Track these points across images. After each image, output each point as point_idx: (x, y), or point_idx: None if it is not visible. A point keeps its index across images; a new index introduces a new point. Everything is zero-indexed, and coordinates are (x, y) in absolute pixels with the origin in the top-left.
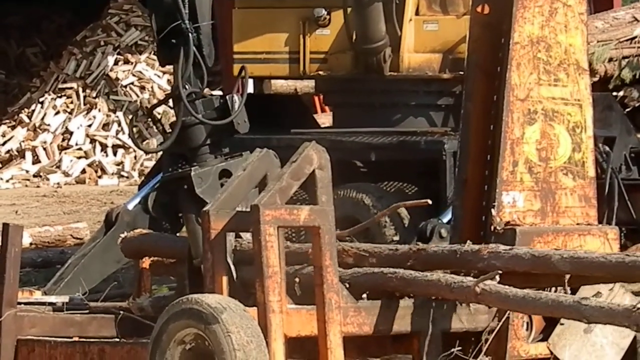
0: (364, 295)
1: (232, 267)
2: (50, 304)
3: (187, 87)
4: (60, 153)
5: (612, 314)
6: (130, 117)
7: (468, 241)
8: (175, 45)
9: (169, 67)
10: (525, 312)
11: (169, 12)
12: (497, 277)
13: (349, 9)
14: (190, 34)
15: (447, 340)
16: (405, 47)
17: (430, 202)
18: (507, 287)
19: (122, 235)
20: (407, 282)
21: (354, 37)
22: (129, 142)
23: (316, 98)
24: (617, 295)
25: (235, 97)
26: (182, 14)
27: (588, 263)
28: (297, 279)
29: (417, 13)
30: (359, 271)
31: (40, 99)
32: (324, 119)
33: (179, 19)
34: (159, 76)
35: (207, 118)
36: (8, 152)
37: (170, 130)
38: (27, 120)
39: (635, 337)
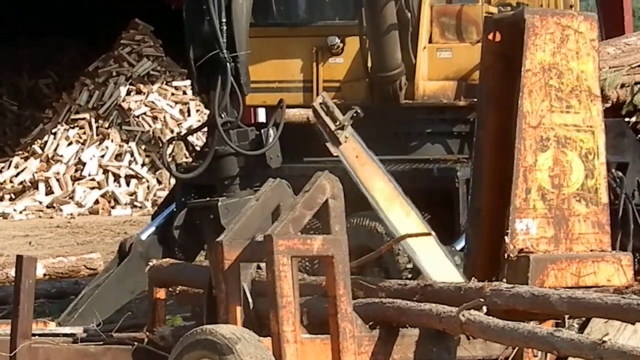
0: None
1: (250, 297)
2: (65, 335)
3: (222, 116)
4: (73, 184)
5: (580, 347)
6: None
7: (473, 278)
8: (213, 74)
9: (181, 97)
10: (504, 342)
11: (206, 41)
12: (484, 308)
13: (364, 37)
14: (228, 64)
15: None
16: (420, 75)
17: (433, 233)
18: (489, 317)
19: (150, 264)
20: (402, 311)
21: (370, 65)
22: (142, 173)
23: None
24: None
25: (270, 131)
26: (220, 43)
27: (585, 304)
28: (304, 309)
29: (430, 41)
30: (361, 301)
31: (53, 130)
32: None
33: (217, 48)
34: (171, 106)
35: (240, 149)
36: (21, 183)
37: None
38: (40, 151)
39: None
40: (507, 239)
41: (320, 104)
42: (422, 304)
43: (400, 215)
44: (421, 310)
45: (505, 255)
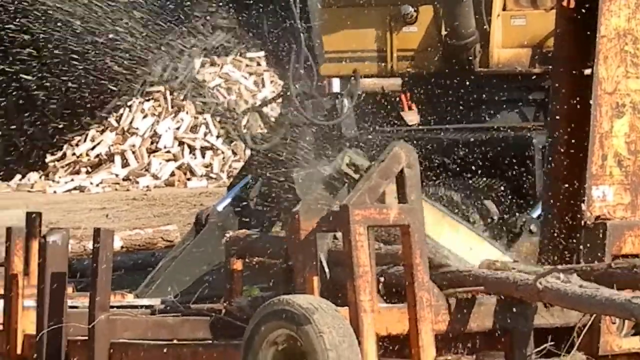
0: None
1: (326, 267)
2: (143, 307)
3: (297, 86)
4: (149, 156)
5: None
6: (242, 114)
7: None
8: (286, 45)
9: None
10: (582, 310)
11: (280, 13)
12: (561, 275)
13: (438, 6)
14: (301, 34)
15: (538, 336)
16: (494, 43)
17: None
18: (567, 284)
19: (227, 235)
20: (478, 279)
21: (444, 33)
22: (217, 144)
23: (403, 96)
24: None
25: (345, 101)
26: (294, 14)
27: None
28: (381, 279)
29: (504, 8)
30: (437, 269)
31: (128, 103)
32: (412, 116)
33: (291, 20)
34: (245, 78)
35: (315, 119)
36: (97, 156)
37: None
38: (115, 124)
39: None
40: (583, 206)
41: (348, 164)
42: (499, 272)
43: (450, 235)
44: (498, 279)
45: (582, 223)
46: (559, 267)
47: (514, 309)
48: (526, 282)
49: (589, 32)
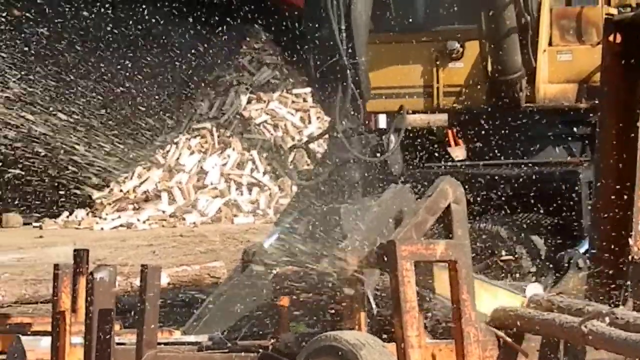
0: None
1: (373, 303)
2: (190, 343)
3: (344, 123)
4: (195, 193)
5: None
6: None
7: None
8: (333, 81)
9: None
10: (627, 354)
11: (326, 48)
12: (607, 319)
13: (484, 41)
14: (348, 70)
15: None
16: (540, 78)
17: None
18: (612, 329)
19: (274, 272)
20: (524, 319)
21: (490, 69)
22: (264, 180)
23: (449, 131)
24: None
25: (392, 137)
26: (340, 50)
27: None
28: (429, 314)
29: (550, 43)
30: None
31: (175, 140)
32: (458, 152)
33: (337, 55)
34: (291, 114)
35: (361, 155)
36: (144, 193)
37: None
38: (162, 161)
39: None
40: (631, 241)
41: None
42: (546, 312)
43: (488, 300)
44: (544, 320)
45: (630, 258)
46: (604, 309)
47: (562, 346)
48: (572, 325)
49: (636, 67)
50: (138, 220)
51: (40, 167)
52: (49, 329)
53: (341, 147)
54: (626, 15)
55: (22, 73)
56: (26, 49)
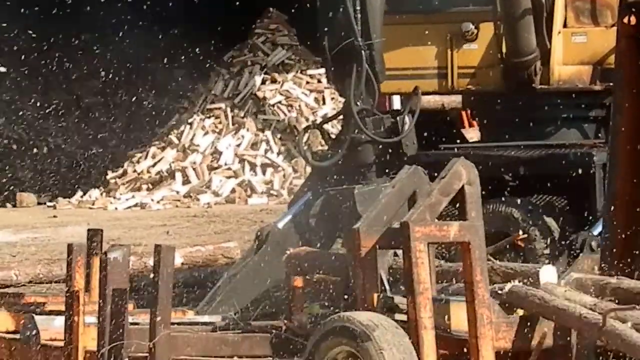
0: None
1: (386, 284)
2: (203, 323)
3: (358, 104)
4: (209, 173)
5: None
6: (303, 132)
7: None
8: (348, 62)
9: (316, 85)
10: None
11: (341, 30)
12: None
13: (499, 23)
14: (362, 52)
15: (599, 355)
16: (555, 60)
17: None
18: (632, 330)
19: (288, 252)
20: (541, 303)
21: (504, 50)
22: (278, 161)
23: (463, 113)
24: None
25: (406, 118)
26: (355, 31)
27: None
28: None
29: (565, 25)
30: (499, 286)
31: (189, 120)
32: (472, 133)
33: (352, 37)
34: (306, 94)
35: (375, 136)
36: (158, 173)
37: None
38: (176, 141)
39: None
40: None
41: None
42: (566, 300)
43: None
44: (560, 309)
45: None
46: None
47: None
48: (589, 318)
49: None
50: (152, 200)
51: (53, 146)
52: (63, 308)
53: (355, 128)
54: None
55: (34, 55)
56: (34, 35)
